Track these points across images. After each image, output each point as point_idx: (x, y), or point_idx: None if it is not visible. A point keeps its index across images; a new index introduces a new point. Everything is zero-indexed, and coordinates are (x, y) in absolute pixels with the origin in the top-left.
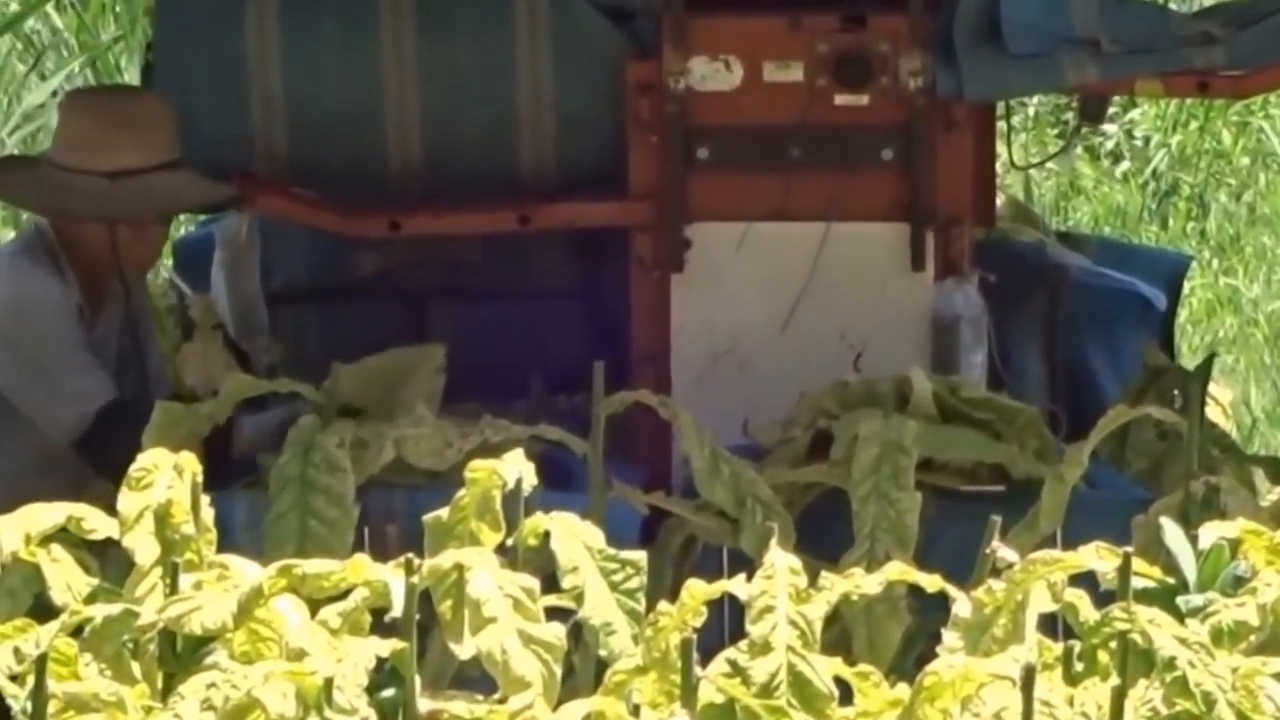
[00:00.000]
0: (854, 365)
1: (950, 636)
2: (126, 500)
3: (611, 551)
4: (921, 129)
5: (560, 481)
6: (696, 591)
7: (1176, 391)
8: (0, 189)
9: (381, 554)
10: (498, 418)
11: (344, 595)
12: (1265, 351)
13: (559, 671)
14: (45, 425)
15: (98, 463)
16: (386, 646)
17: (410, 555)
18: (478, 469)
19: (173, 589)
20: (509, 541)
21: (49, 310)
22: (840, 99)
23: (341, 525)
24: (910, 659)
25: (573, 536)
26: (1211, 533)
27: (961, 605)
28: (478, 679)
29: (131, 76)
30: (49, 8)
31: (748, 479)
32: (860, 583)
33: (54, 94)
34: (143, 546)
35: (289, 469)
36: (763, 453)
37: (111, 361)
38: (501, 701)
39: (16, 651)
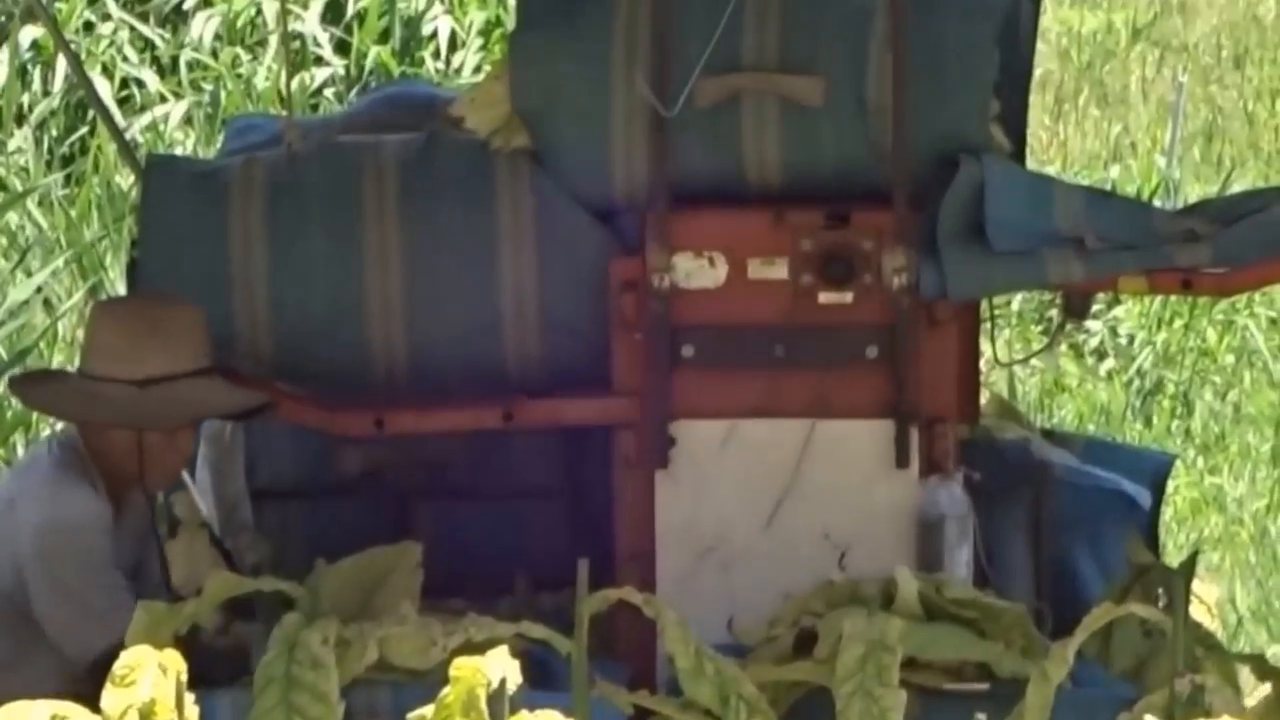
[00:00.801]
0: (839, 564)
1: None
2: (111, 698)
3: None
4: (906, 326)
5: (545, 680)
6: None
7: (1161, 590)
8: (30, 399)
9: None
10: (482, 615)
11: None
12: (1250, 550)
13: None
14: (68, 645)
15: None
16: None
17: None
18: (462, 667)
19: None
20: None
21: (85, 531)
22: (824, 296)
23: None
24: None
25: None
26: None
27: None
28: None
29: (116, 274)
30: (32, 205)
31: (732, 677)
32: None
33: (38, 290)
34: None
35: (273, 666)
36: (746, 652)
37: (129, 569)
38: None
39: None
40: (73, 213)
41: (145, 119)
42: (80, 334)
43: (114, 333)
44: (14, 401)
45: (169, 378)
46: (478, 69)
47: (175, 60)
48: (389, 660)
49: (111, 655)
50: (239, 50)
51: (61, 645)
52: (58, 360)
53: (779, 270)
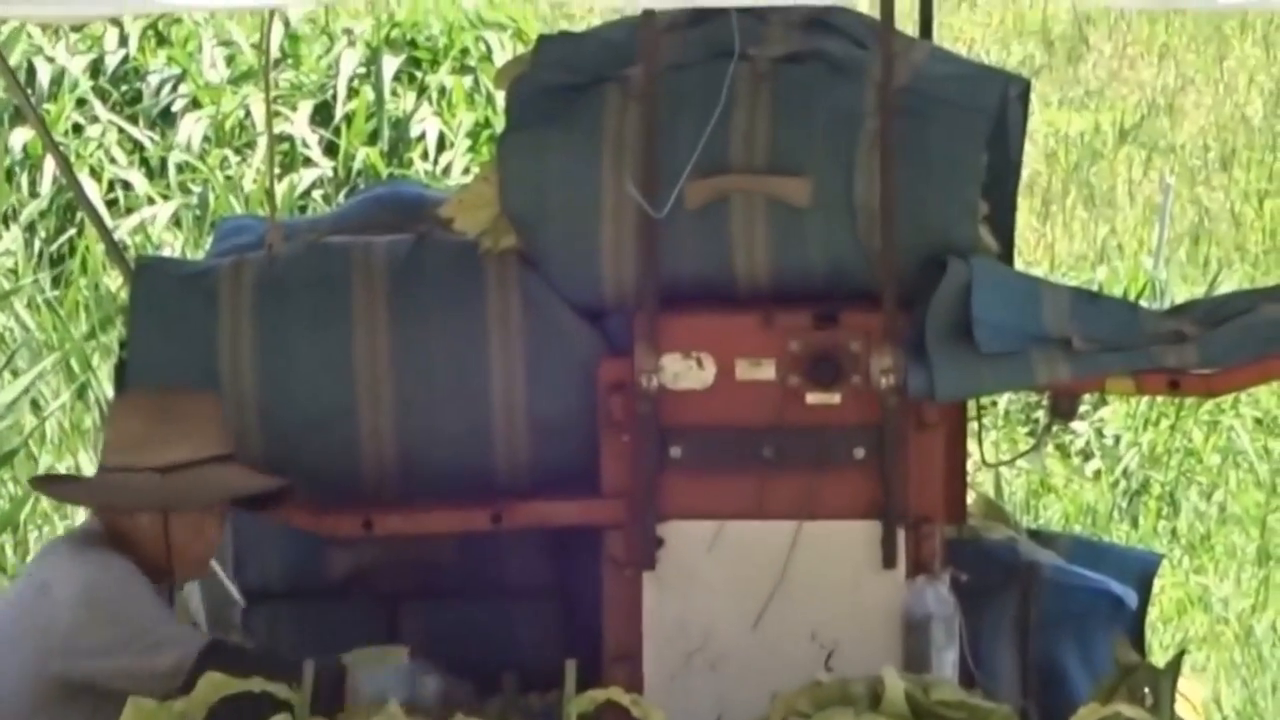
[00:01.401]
0: (826, 664)
1: None
2: None
3: None
4: (893, 427)
5: None
6: None
7: (1147, 689)
8: (54, 491)
9: None
10: (470, 716)
11: None
12: (1235, 649)
13: None
14: (140, 684)
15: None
16: None
17: None
18: None
19: None
20: None
21: (125, 576)
22: (812, 398)
23: None
24: None
25: None
26: None
27: None
28: None
29: (104, 376)
30: (20, 306)
31: None
32: None
33: (25, 391)
34: None
35: None
36: None
37: None
38: None
39: None
40: (61, 313)
41: (133, 220)
42: (69, 432)
43: (135, 423)
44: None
45: (192, 464)
46: (466, 170)
47: (164, 162)
48: None
49: (194, 672)
50: (227, 152)
51: (136, 688)
52: (45, 462)
53: (767, 371)
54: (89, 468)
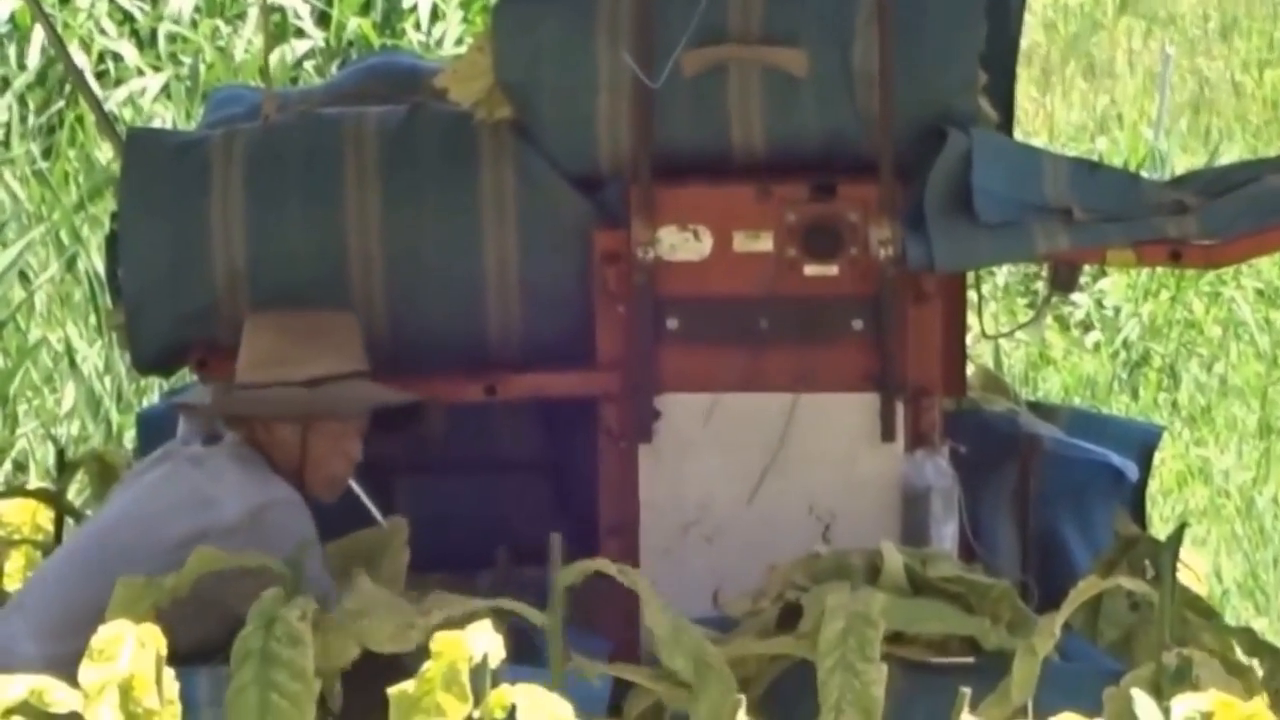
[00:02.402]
0: (823, 537)
1: None
2: (88, 673)
3: None
4: (891, 299)
5: (528, 655)
6: None
7: (1148, 562)
8: (194, 412)
9: None
10: (463, 590)
11: None
12: (1236, 522)
13: None
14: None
15: None
16: None
17: None
18: (444, 641)
19: None
20: (475, 714)
21: (292, 509)
22: (810, 269)
23: (303, 699)
24: None
25: (540, 709)
26: (1184, 705)
27: None
28: None
29: (94, 248)
30: (10, 177)
31: (708, 650)
32: None
33: (13, 263)
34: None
35: (250, 641)
36: (731, 624)
37: None
38: None
39: None
40: (50, 184)
41: (123, 92)
42: (58, 304)
43: (274, 340)
44: None
45: (336, 377)
46: (459, 41)
47: (154, 33)
48: (368, 648)
49: None
50: (219, 22)
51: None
52: (35, 333)
53: (764, 243)
54: (78, 341)
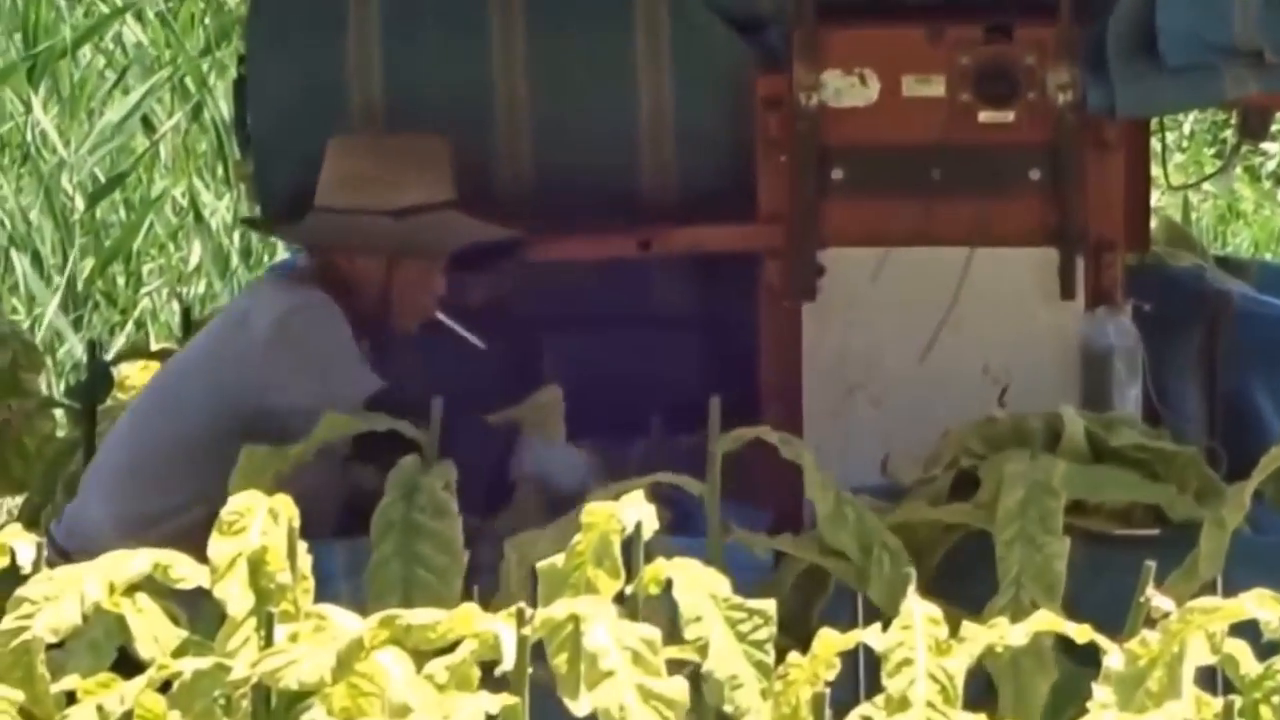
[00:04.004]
0: (999, 400)
1: (1102, 691)
2: (218, 546)
3: (738, 600)
4: (1071, 147)
5: (683, 526)
6: (829, 642)
7: None
8: (274, 232)
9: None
10: (615, 458)
11: (451, 648)
12: None
13: None
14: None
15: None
16: (497, 702)
17: (522, 604)
18: (595, 513)
19: (267, 641)
20: (628, 590)
21: (324, 314)
22: (984, 115)
23: (451, 573)
24: (1061, 716)
25: (697, 584)
26: None
27: (1114, 658)
28: None
29: (221, 94)
30: (132, 20)
31: (874, 525)
32: (1005, 634)
33: (135, 108)
34: (235, 596)
35: (391, 512)
36: (901, 493)
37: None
38: None
39: (100, 709)
40: (174, 28)
41: None
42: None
43: (361, 162)
44: None
45: (425, 208)
46: None
47: None
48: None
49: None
50: None
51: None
52: (159, 186)
53: (935, 88)
54: (205, 195)
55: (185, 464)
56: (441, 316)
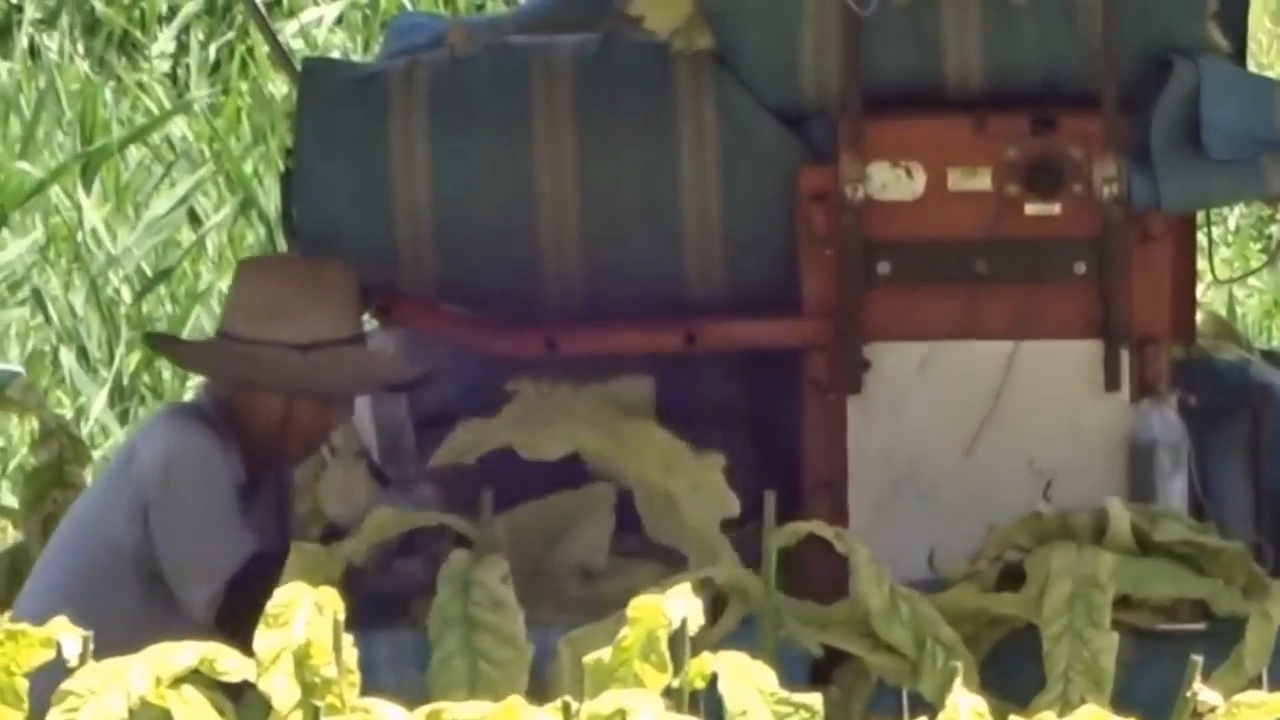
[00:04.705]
0: (1044, 494)
1: None
2: (263, 639)
3: (784, 694)
4: (1117, 240)
5: None
6: None
7: None
8: (183, 359)
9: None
10: (662, 551)
11: None
12: None
13: None
14: (183, 587)
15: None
16: None
17: (568, 699)
18: (641, 607)
19: None
20: (674, 683)
21: (209, 462)
22: (1031, 208)
23: (515, 666)
24: None
25: (743, 677)
26: None
27: None
28: None
29: (268, 185)
30: (179, 117)
31: (929, 618)
32: None
33: (181, 201)
34: (281, 689)
35: (449, 609)
36: (947, 587)
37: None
38: None
39: None
40: (219, 122)
41: (295, 24)
42: (227, 249)
43: (269, 289)
44: None
45: (330, 343)
46: None
47: None
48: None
49: (226, 611)
50: None
51: (178, 590)
52: (205, 280)
53: (982, 181)
54: None
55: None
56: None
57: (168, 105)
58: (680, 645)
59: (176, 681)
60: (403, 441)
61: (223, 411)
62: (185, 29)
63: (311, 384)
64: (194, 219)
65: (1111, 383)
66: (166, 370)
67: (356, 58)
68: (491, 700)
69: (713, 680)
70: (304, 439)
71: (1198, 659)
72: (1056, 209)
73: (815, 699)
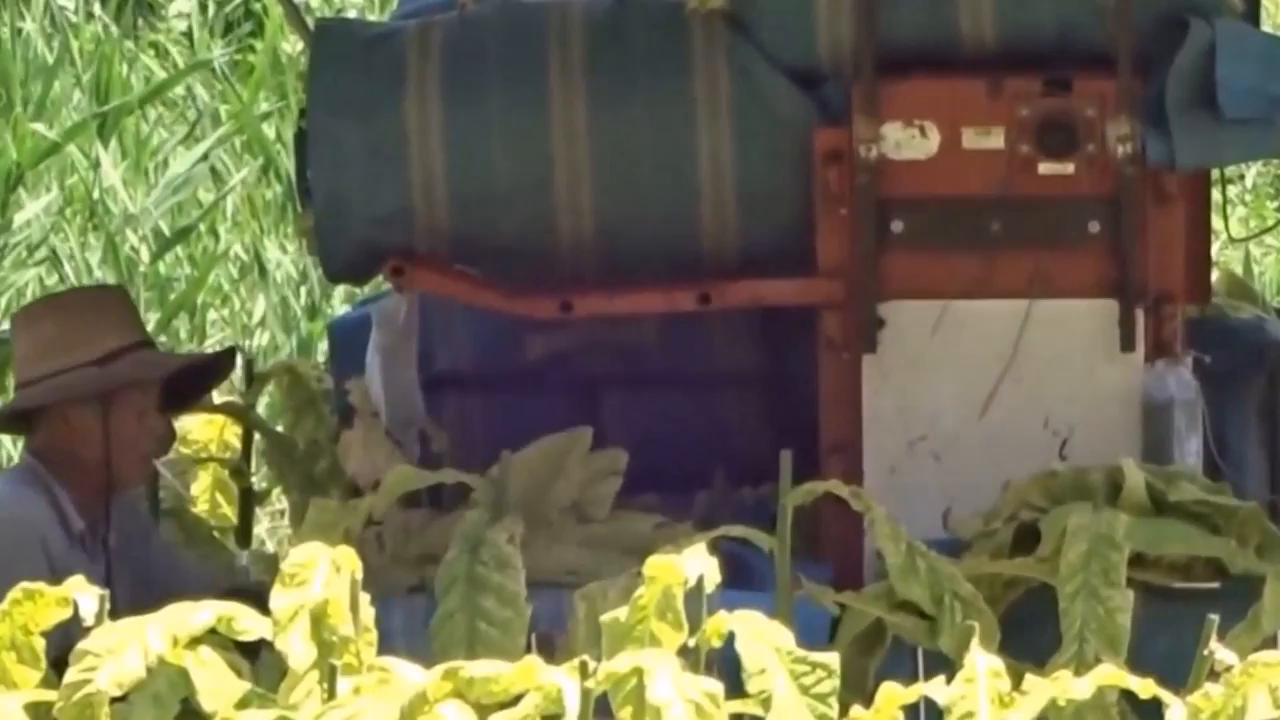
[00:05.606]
0: (1059, 453)
1: None
2: (280, 599)
3: (802, 653)
4: (1131, 200)
5: (744, 579)
6: (892, 695)
7: None
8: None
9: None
10: (677, 512)
11: (514, 701)
12: None
13: None
14: None
15: None
16: None
17: (585, 658)
18: (657, 566)
19: (330, 694)
20: (691, 642)
21: (17, 535)
22: (1044, 168)
23: (514, 627)
24: None
25: (759, 637)
26: None
27: (1177, 711)
28: None
29: (287, 144)
30: (197, 77)
31: (947, 574)
32: (1069, 687)
33: (198, 161)
34: (298, 648)
35: (456, 567)
36: (962, 547)
37: (122, 578)
38: None
39: None
40: (238, 83)
41: None
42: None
43: (48, 327)
44: None
45: (126, 348)
46: None
47: None
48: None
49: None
50: None
51: None
52: (224, 239)
53: (995, 140)
54: (270, 249)
55: None
56: (159, 466)
57: (184, 66)
58: (696, 604)
59: (193, 641)
60: (412, 403)
61: (46, 459)
62: None
63: (117, 379)
64: (216, 179)
65: (1127, 342)
66: (184, 329)
67: (373, 17)
68: (489, 658)
69: (730, 638)
70: (133, 451)
71: (1214, 618)
72: (1070, 168)
73: (832, 658)
